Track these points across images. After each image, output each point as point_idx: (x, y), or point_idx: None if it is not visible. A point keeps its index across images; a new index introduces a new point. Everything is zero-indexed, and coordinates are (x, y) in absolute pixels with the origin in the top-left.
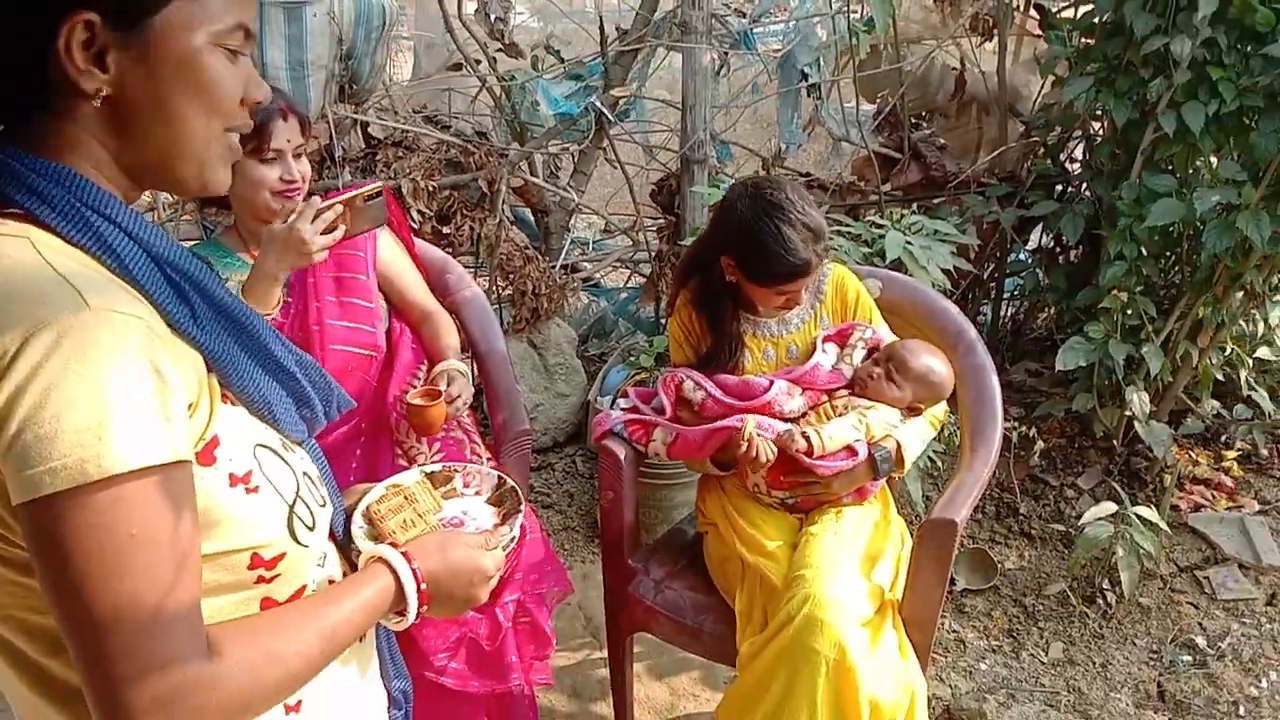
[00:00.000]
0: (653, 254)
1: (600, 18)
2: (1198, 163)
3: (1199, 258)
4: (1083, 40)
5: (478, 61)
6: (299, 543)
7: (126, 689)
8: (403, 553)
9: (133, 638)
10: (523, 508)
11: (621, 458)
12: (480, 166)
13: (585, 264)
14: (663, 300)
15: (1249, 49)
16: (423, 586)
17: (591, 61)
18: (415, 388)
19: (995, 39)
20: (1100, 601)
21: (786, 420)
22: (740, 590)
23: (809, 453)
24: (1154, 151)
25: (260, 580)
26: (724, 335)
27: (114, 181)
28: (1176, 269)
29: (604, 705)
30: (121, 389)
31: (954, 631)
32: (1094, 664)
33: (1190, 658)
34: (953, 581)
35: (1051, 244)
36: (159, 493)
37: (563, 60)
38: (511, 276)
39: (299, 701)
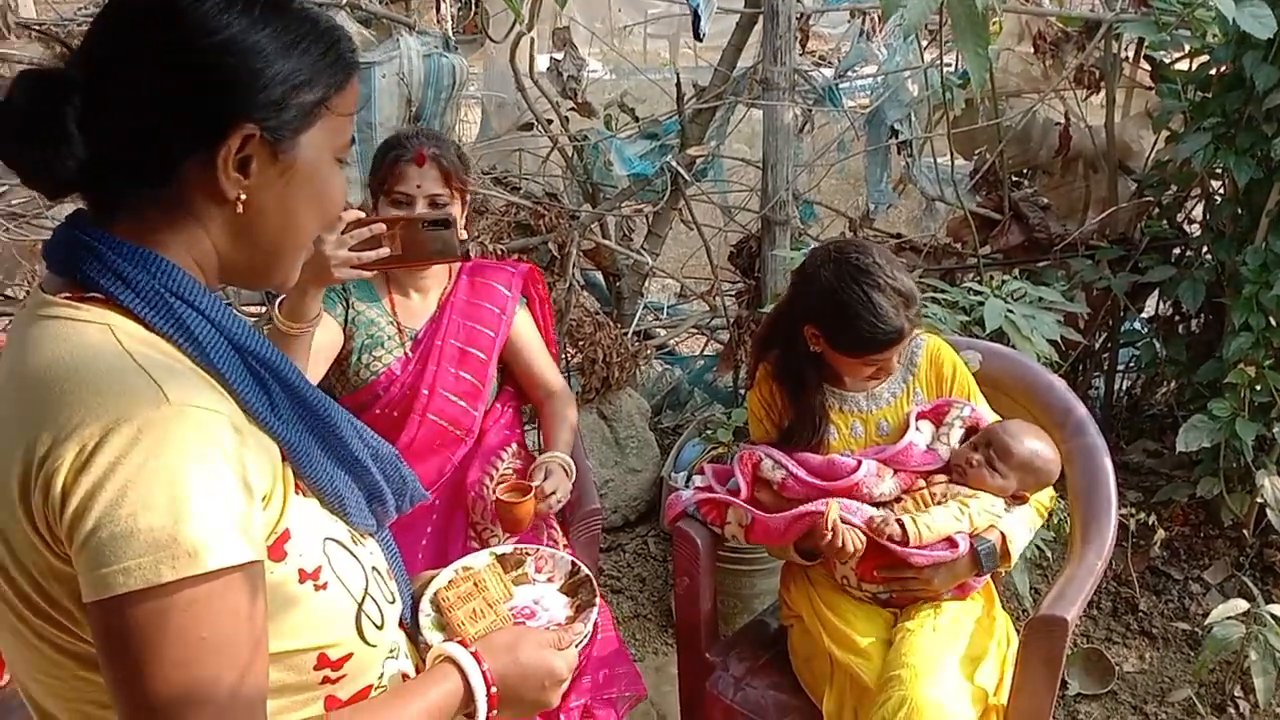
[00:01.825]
0: (731, 320)
1: (677, 74)
2: None
3: None
4: (1199, 93)
5: (549, 121)
6: (367, 642)
7: None
8: (473, 652)
9: None
10: (597, 600)
11: (698, 542)
12: (550, 229)
13: (659, 330)
14: (741, 369)
15: None
16: (493, 690)
17: (667, 120)
18: (495, 473)
19: (1103, 92)
20: (1232, 711)
21: (877, 505)
22: (829, 691)
23: (904, 542)
24: None
25: (326, 680)
26: (807, 408)
27: (203, 271)
28: None
29: None
30: (199, 488)
31: None
32: None
33: None
34: (1065, 685)
35: (1170, 312)
36: (232, 594)
37: (637, 119)
38: (581, 344)
39: None
